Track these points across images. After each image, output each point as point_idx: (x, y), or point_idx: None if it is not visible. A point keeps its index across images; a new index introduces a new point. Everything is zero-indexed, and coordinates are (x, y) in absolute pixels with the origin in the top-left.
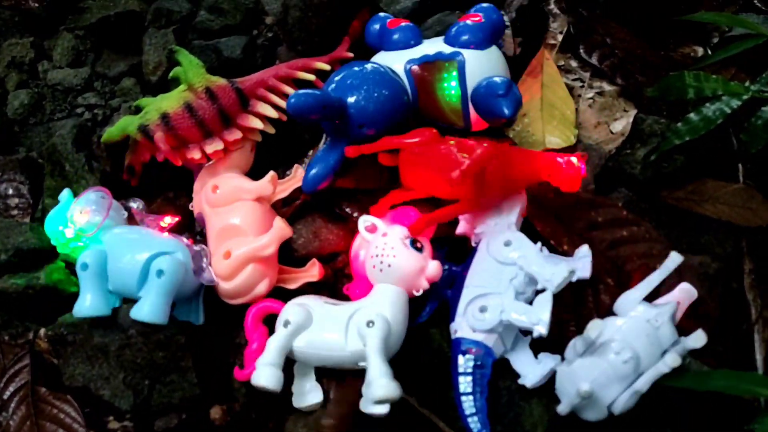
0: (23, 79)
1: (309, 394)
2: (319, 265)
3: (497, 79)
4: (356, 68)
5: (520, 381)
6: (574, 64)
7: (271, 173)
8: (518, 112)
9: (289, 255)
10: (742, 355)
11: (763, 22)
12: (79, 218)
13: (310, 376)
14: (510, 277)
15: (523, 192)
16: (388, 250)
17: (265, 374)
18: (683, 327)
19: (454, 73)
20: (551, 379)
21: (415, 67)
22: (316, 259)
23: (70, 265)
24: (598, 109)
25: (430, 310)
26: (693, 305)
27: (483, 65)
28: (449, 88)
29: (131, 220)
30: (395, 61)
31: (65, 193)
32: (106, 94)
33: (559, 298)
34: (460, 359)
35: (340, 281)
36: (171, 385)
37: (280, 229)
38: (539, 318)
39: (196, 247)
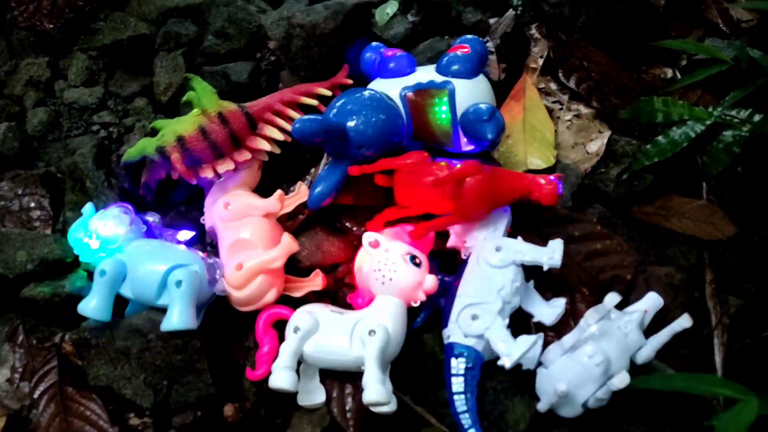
0: (41, 98)
1: (313, 393)
2: (323, 275)
3: (482, 106)
4: (356, 95)
5: (500, 363)
6: (553, 86)
7: (279, 192)
8: (501, 136)
9: (293, 265)
10: (703, 358)
11: (726, 47)
12: (103, 230)
13: (314, 377)
14: (498, 288)
15: (509, 209)
16: (390, 265)
17: (282, 377)
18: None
19: (445, 99)
20: (532, 379)
21: (410, 94)
22: (319, 269)
23: (92, 275)
24: (575, 130)
25: (424, 317)
26: (659, 312)
27: (471, 93)
28: (440, 112)
29: (149, 233)
30: (391, 87)
31: (88, 207)
32: (120, 112)
33: None
34: (453, 362)
35: (340, 290)
36: (188, 385)
37: (288, 244)
38: (511, 352)
39: (210, 260)
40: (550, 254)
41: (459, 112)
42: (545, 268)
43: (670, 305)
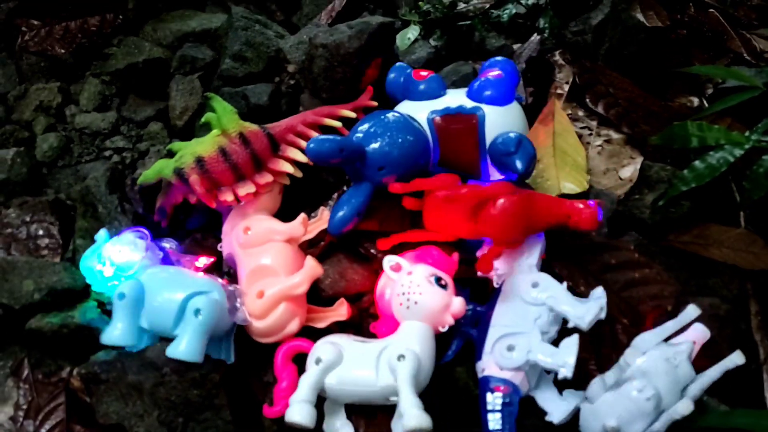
0: (51, 123)
1: (340, 431)
2: (347, 305)
3: (511, 135)
4: (381, 116)
5: (547, 418)
6: (581, 113)
7: (302, 215)
8: (533, 165)
9: (316, 295)
10: (752, 393)
11: (755, 75)
12: (117, 257)
13: (340, 414)
14: (534, 317)
15: (542, 235)
16: (414, 288)
17: (298, 411)
18: (697, 366)
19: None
20: (575, 415)
21: (438, 118)
22: (343, 298)
23: (103, 305)
24: (606, 156)
25: (456, 349)
26: (705, 345)
27: (503, 120)
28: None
29: (165, 259)
30: (419, 110)
31: (102, 233)
32: (133, 137)
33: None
34: (489, 396)
35: (365, 320)
36: (205, 422)
37: (312, 268)
38: (565, 361)
39: (230, 287)
40: (579, 318)
41: (488, 140)
42: (581, 326)
43: (717, 337)
